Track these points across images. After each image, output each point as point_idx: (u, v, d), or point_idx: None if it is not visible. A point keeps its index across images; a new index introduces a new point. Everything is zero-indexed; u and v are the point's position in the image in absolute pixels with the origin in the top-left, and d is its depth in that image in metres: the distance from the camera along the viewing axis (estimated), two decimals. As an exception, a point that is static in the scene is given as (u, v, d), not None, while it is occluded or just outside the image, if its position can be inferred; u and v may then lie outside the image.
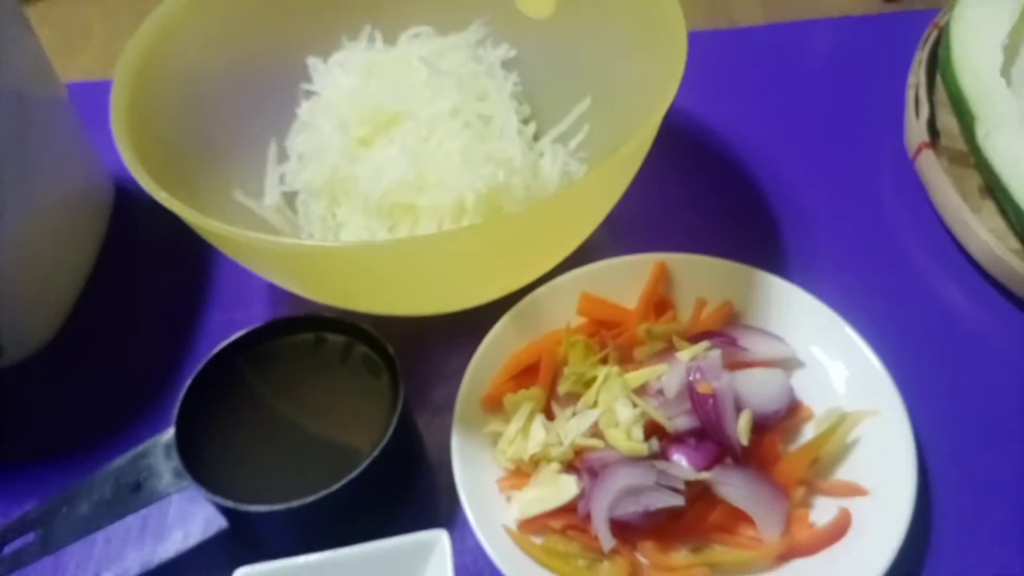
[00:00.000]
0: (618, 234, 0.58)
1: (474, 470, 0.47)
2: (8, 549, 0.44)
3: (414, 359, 0.55)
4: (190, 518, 0.50)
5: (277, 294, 0.59)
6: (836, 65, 0.73)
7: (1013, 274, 0.54)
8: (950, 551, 0.46)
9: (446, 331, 0.55)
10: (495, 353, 0.51)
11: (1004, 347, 0.54)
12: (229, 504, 0.43)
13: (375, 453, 0.44)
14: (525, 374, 0.51)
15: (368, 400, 0.47)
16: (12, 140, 0.51)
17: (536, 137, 0.59)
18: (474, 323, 0.52)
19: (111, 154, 0.61)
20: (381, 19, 0.60)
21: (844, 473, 0.47)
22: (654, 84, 0.49)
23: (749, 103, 0.70)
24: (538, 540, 0.45)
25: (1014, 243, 0.57)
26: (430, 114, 0.53)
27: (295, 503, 0.42)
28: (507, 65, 0.61)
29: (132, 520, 0.50)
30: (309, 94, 0.58)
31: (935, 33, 0.67)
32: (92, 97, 0.61)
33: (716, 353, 0.47)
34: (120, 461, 0.45)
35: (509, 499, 0.47)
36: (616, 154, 0.44)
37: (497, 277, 0.50)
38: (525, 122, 0.59)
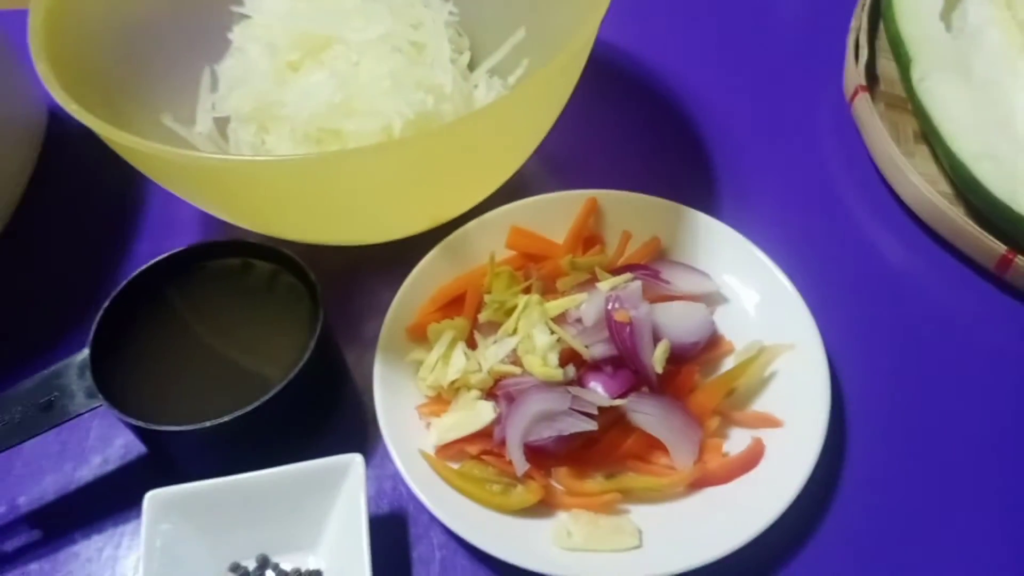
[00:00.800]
0: (550, 171, 0.58)
1: (395, 397, 0.47)
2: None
3: (346, 293, 0.55)
4: (109, 443, 0.50)
5: (208, 224, 0.58)
6: (780, 8, 0.73)
7: (942, 217, 0.55)
8: (861, 482, 0.47)
9: (378, 265, 0.55)
10: (423, 285, 0.51)
11: (928, 288, 0.55)
12: (140, 424, 0.42)
13: (289, 377, 0.44)
14: (451, 305, 0.51)
15: (292, 328, 0.47)
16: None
17: (473, 68, 0.59)
18: (407, 258, 0.52)
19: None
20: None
21: (761, 405, 0.48)
22: (587, 13, 0.49)
23: (688, 43, 0.70)
24: (455, 466, 0.46)
25: (945, 187, 0.57)
26: (361, 39, 0.52)
27: (206, 424, 0.42)
28: (449, -4, 0.60)
29: (51, 444, 0.50)
30: (240, 18, 0.57)
31: (881, -23, 0.67)
32: (22, 24, 0.59)
33: (636, 284, 0.47)
34: (32, 381, 0.45)
35: (429, 426, 0.47)
36: (543, 70, 0.43)
37: (425, 203, 0.50)
38: (460, 53, 0.58)
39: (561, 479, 0.45)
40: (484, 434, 0.45)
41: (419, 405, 0.48)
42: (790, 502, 0.43)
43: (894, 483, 0.47)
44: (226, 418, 0.42)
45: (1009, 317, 0.53)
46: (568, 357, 0.45)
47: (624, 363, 0.46)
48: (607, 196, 0.54)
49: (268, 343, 0.47)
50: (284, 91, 0.52)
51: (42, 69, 0.44)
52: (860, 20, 0.64)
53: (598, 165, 0.60)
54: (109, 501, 0.48)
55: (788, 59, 0.68)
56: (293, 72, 0.53)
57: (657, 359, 0.45)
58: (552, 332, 0.45)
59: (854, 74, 0.61)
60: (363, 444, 0.49)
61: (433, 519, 0.45)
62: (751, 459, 0.45)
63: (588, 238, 0.54)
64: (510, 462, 0.44)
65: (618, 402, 0.44)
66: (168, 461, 0.48)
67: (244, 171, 0.43)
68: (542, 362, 0.44)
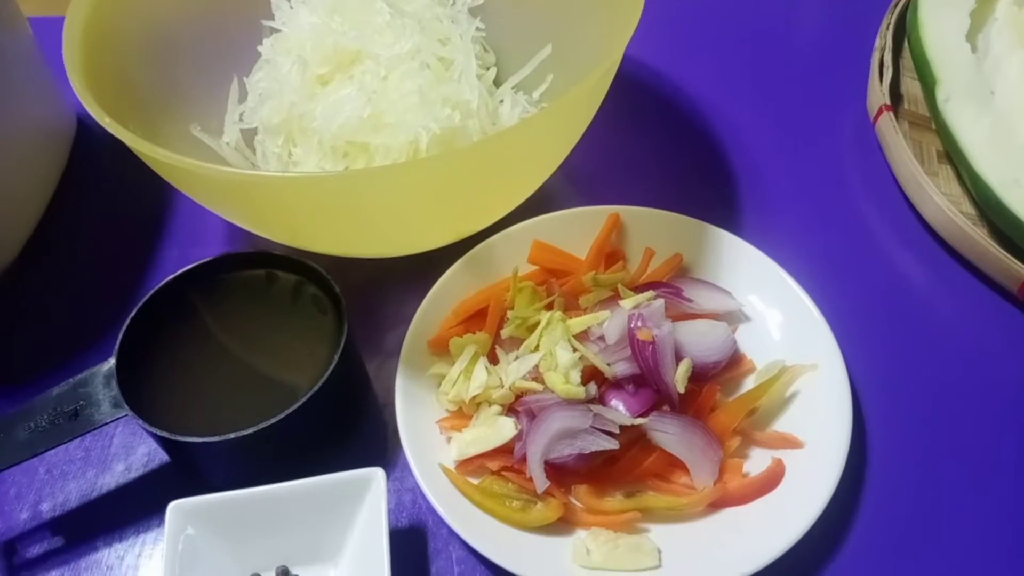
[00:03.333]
0: (574, 187, 0.58)
1: (416, 411, 0.47)
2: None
3: (370, 304, 0.55)
4: (132, 451, 0.50)
5: (234, 234, 0.59)
6: (804, 28, 0.73)
7: (966, 239, 0.55)
8: (882, 503, 0.47)
9: (402, 277, 0.55)
10: (446, 298, 0.51)
11: (950, 309, 0.55)
12: (165, 435, 0.43)
13: (315, 389, 0.44)
14: (473, 319, 0.51)
15: (315, 339, 0.47)
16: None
17: (499, 84, 0.59)
18: (430, 270, 0.52)
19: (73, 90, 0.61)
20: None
21: (782, 425, 0.48)
22: (614, 32, 0.49)
23: (712, 61, 0.70)
24: (476, 481, 0.46)
25: (968, 208, 0.57)
26: (390, 55, 0.52)
27: (230, 435, 0.42)
28: (473, 12, 0.60)
29: (74, 451, 0.50)
30: (271, 31, 0.58)
31: (905, -1, 0.67)
32: (55, 32, 0.60)
33: (659, 302, 0.47)
34: (59, 389, 0.45)
35: (450, 440, 0.47)
36: (571, 91, 0.44)
37: (450, 217, 0.50)
38: (487, 69, 0.58)
39: (581, 497, 0.45)
40: (505, 450, 0.46)
41: (440, 419, 0.48)
42: (811, 523, 0.43)
43: (915, 504, 0.47)
44: (250, 430, 0.43)
45: (1032, 340, 0.53)
46: (590, 375, 0.46)
47: (645, 381, 0.46)
48: (630, 212, 0.54)
49: (291, 354, 0.48)
50: (313, 104, 0.52)
51: (76, 82, 0.45)
52: (885, 39, 0.64)
53: (620, 181, 0.60)
54: (131, 509, 0.48)
55: (811, 77, 0.68)
56: (322, 86, 0.54)
57: (679, 378, 0.45)
58: (575, 349, 0.45)
59: (878, 93, 0.61)
60: (383, 456, 0.49)
61: (452, 534, 0.45)
62: (772, 480, 0.45)
63: (610, 254, 0.54)
64: (530, 478, 0.44)
65: (639, 421, 0.44)
66: (191, 470, 0.48)
67: (275, 186, 0.43)
68: (564, 379, 0.44)
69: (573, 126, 0.49)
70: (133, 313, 0.47)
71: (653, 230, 0.54)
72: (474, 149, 0.44)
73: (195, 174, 0.43)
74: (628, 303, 0.47)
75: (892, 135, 0.59)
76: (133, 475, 0.49)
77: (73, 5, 0.48)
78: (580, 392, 0.44)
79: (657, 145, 0.64)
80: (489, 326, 0.50)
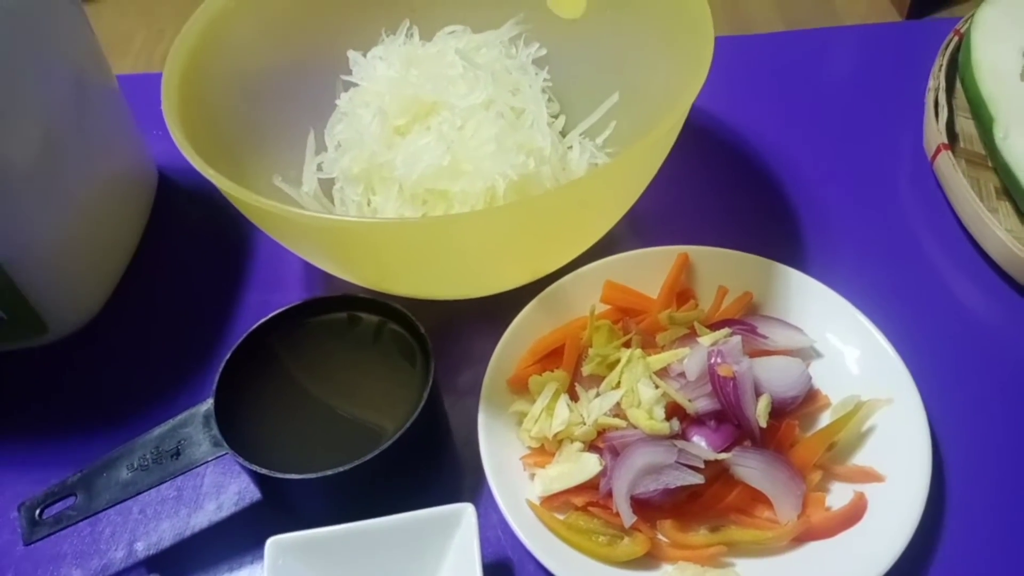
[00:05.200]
0: (641, 228, 0.60)
1: (499, 447, 0.49)
2: (50, 512, 0.46)
3: (443, 343, 0.57)
4: (223, 489, 0.52)
5: (312, 277, 0.61)
6: (858, 71, 0.74)
7: (1029, 272, 0.56)
8: (963, 536, 0.47)
9: (474, 317, 0.57)
10: (521, 337, 0.53)
11: (1017, 341, 0.55)
12: (265, 472, 0.44)
13: (405, 426, 0.45)
14: (549, 358, 0.53)
15: (398, 378, 0.49)
16: (69, 124, 0.53)
17: (564, 132, 0.61)
18: (501, 310, 0.54)
19: (155, 143, 0.64)
20: (419, 16, 0.62)
21: (860, 459, 0.48)
22: (680, 80, 0.51)
23: (773, 107, 0.72)
24: (560, 516, 0.47)
25: (1030, 243, 0.58)
26: (465, 105, 0.55)
27: (328, 471, 0.44)
28: (537, 63, 0.63)
29: (167, 491, 0.52)
30: (348, 85, 0.60)
31: (956, 39, 0.69)
32: (139, 88, 0.63)
33: (737, 339, 0.48)
34: (160, 429, 0.47)
35: (532, 476, 0.48)
36: (642, 141, 0.46)
37: (525, 260, 0.52)
38: (555, 117, 0.61)
39: (666, 531, 0.46)
40: (589, 485, 0.47)
41: (523, 455, 0.49)
42: (897, 556, 0.43)
43: (997, 537, 0.47)
44: (347, 467, 0.44)
45: (1102, 373, 0.54)
46: (671, 411, 0.47)
47: (726, 417, 0.47)
48: (698, 252, 0.56)
49: (375, 393, 0.49)
50: (393, 154, 0.54)
51: (177, 135, 0.47)
52: (938, 80, 0.66)
53: (684, 221, 0.62)
54: (224, 546, 0.50)
55: (867, 117, 0.70)
56: (400, 136, 0.56)
57: (760, 414, 0.46)
58: (657, 386, 0.47)
59: (935, 132, 0.63)
60: (466, 491, 0.51)
61: (539, 569, 0.46)
62: (855, 513, 0.46)
63: (680, 293, 0.55)
64: (616, 513, 0.45)
65: (723, 456, 0.45)
66: (282, 506, 0.49)
67: (358, 231, 0.45)
68: (648, 415, 0.45)
69: (644, 172, 0.51)
70: (228, 356, 0.48)
71: (721, 269, 0.55)
72: (553, 194, 0.46)
73: (289, 220, 0.45)
74: (706, 340, 0.49)
75: (952, 173, 0.60)
76: (225, 513, 0.51)
77: (169, 62, 0.51)
78: (665, 428, 0.45)
79: (719, 185, 0.65)
80: (567, 364, 0.51)
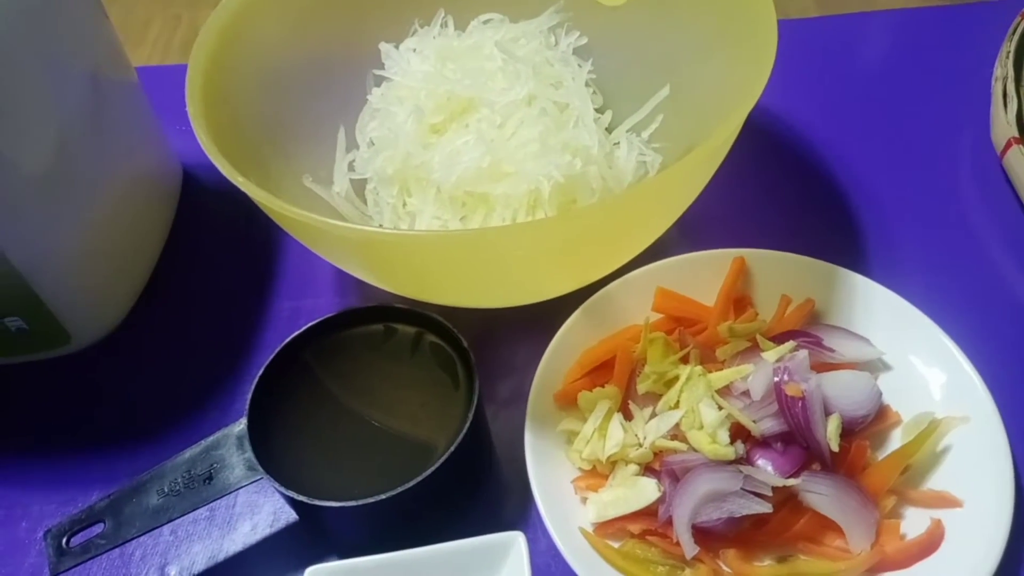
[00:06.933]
0: (691, 230, 0.56)
1: (548, 469, 0.46)
2: (77, 540, 0.44)
3: (481, 350, 0.53)
4: (257, 510, 0.49)
5: (344, 281, 0.58)
6: (913, 58, 0.70)
7: (1110, 277, 0.52)
8: (1047, 567, 0.44)
9: (514, 323, 0.54)
10: (567, 348, 0.50)
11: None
12: (303, 499, 0.42)
13: (451, 449, 0.43)
14: (598, 371, 0.50)
15: (438, 392, 0.46)
16: (87, 124, 0.50)
17: (610, 127, 0.58)
18: (542, 316, 0.51)
19: (178, 139, 0.61)
20: (453, 5, 0.59)
21: (935, 482, 0.45)
22: (737, 77, 0.48)
23: (826, 96, 0.68)
24: (615, 544, 0.44)
25: (1111, 244, 0.54)
26: (506, 101, 0.51)
27: (370, 499, 0.41)
28: (579, 52, 0.59)
29: (199, 512, 0.49)
30: (380, 80, 0.57)
31: (1023, 24, 0.64)
32: (160, 81, 0.60)
33: (803, 354, 0.45)
34: (191, 452, 0.45)
35: (584, 500, 0.46)
36: (698, 150, 0.42)
37: (572, 270, 0.49)
38: (599, 111, 0.57)
39: (730, 562, 0.43)
40: (646, 512, 0.44)
41: (575, 479, 0.46)
42: (979, 589, 0.40)
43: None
44: (387, 495, 0.41)
45: None
46: (735, 432, 0.44)
47: (794, 439, 0.44)
48: (755, 255, 0.52)
49: (415, 408, 0.46)
50: (429, 154, 0.51)
51: (204, 139, 0.44)
52: (1006, 68, 0.62)
53: (738, 224, 0.58)
54: (259, 570, 0.47)
55: (927, 110, 0.66)
56: (435, 135, 0.53)
57: (831, 436, 0.43)
58: (720, 407, 0.44)
59: (1004, 125, 0.59)
60: (511, 515, 0.48)
61: (593, 599, 0.43)
62: (932, 542, 0.43)
63: (737, 300, 0.52)
64: (676, 543, 0.42)
65: (792, 482, 0.42)
66: (320, 531, 0.47)
67: (397, 243, 0.42)
68: (711, 439, 0.42)
69: (698, 180, 0.48)
70: (259, 373, 0.46)
71: (779, 274, 0.52)
72: (609, 206, 0.43)
73: (325, 232, 0.42)
74: (771, 355, 0.45)
75: (1023, 168, 0.56)
76: (259, 535, 0.49)
77: (193, 60, 0.48)
78: (730, 452, 0.42)
79: (772, 185, 0.62)
80: (618, 379, 0.48)
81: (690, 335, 0.49)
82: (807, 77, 0.70)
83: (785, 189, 0.62)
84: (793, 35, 0.72)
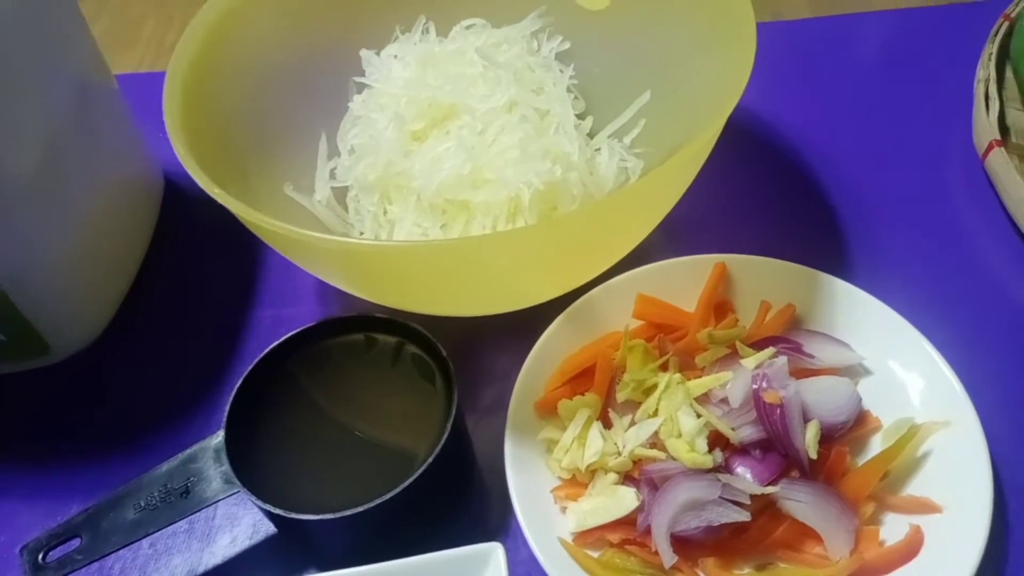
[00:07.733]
0: (674, 235, 0.56)
1: (528, 479, 0.46)
2: (53, 555, 0.44)
3: (463, 359, 0.53)
4: (237, 522, 0.49)
5: (326, 291, 0.58)
6: (898, 59, 0.70)
7: (1091, 279, 0.52)
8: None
9: (495, 331, 0.54)
10: (548, 355, 0.50)
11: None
12: (280, 512, 0.41)
13: (430, 460, 0.42)
14: (579, 378, 0.49)
15: (419, 402, 0.46)
16: (70, 132, 0.50)
17: (591, 133, 0.57)
18: (524, 323, 0.50)
19: (160, 146, 0.61)
20: (435, 10, 0.59)
21: (915, 488, 0.45)
22: (718, 81, 0.47)
23: (808, 99, 0.68)
24: (594, 553, 0.44)
25: (1092, 247, 0.54)
26: (487, 108, 0.51)
27: (348, 512, 0.41)
28: (561, 57, 0.59)
29: (178, 524, 0.49)
30: (361, 87, 0.57)
31: (1005, 25, 0.64)
32: (142, 88, 0.60)
33: (782, 360, 0.45)
34: (168, 465, 0.44)
35: (564, 510, 0.45)
36: (677, 155, 0.42)
37: (553, 277, 0.49)
38: (580, 116, 0.57)
39: (709, 570, 0.43)
40: (626, 521, 0.44)
41: (554, 488, 0.46)
42: (958, 596, 0.40)
43: (1062, 572, 0.44)
44: (365, 507, 0.41)
45: None
46: (713, 440, 0.43)
47: (772, 446, 0.43)
48: (735, 260, 0.52)
49: (395, 419, 0.46)
50: (410, 162, 0.51)
51: (180, 150, 0.44)
52: (988, 70, 0.62)
53: (721, 229, 0.58)
54: (238, 583, 0.47)
55: (911, 113, 0.66)
56: (416, 142, 0.53)
57: (810, 443, 0.43)
58: (699, 415, 0.43)
59: (986, 127, 0.59)
60: (491, 525, 0.48)
61: (573, 609, 0.43)
62: (911, 548, 0.43)
63: (718, 305, 0.52)
64: (655, 552, 0.42)
65: (771, 490, 0.42)
66: (300, 544, 0.47)
67: (375, 254, 0.42)
68: (689, 448, 0.42)
69: (680, 184, 0.48)
70: (238, 385, 0.45)
71: (760, 279, 0.52)
72: (586, 213, 0.43)
73: (301, 242, 0.42)
74: (750, 362, 0.45)
75: (1006, 171, 0.56)
76: (239, 548, 0.48)
77: (171, 69, 0.48)
78: (708, 461, 0.42)
79: (754, 190, 0.62)
80: (598, 387, 0.48)
81: (670, 342, 0.48)
82: (791, 80, 0.70)
83: (767, 194, 0.62)
84: (782, 37, 0.72)
